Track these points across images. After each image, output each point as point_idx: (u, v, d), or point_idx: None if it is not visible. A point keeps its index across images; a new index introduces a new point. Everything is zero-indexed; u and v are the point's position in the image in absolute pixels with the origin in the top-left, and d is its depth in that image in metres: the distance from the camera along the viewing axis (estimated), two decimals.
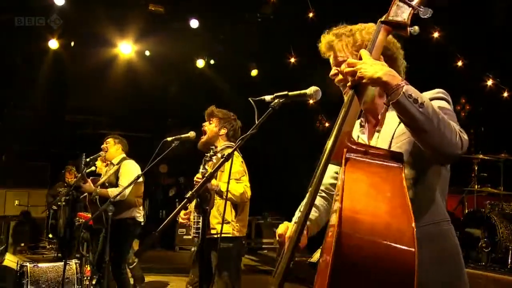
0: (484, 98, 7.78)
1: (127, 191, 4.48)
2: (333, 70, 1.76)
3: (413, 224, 1.22)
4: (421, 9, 1.53)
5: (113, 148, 5.06)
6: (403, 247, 1.20)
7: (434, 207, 1.60)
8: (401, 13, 1.56)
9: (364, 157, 1.44)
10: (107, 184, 4.87)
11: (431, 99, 1.55)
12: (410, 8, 1.54)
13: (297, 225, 1.49)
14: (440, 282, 1.54)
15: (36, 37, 8.31)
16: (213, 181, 3.28)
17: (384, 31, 1.60)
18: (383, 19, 1.60)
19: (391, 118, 1.65)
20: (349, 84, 1.55)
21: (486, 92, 7.88)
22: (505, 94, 7.95)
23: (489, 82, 7.91)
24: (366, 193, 1.33)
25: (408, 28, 1.56)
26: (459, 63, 7.74)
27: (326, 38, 1.78)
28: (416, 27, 1.57)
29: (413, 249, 1.19)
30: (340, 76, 1.72)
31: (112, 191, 4.68)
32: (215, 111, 3.77)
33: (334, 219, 1.42)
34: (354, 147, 1.45)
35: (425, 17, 1.54)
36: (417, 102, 1.39)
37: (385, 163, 1.42)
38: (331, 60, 1.78)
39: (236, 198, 3.43)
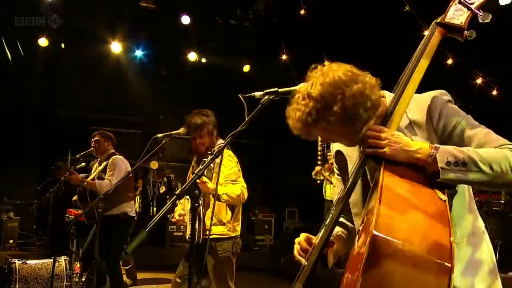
0: (474, 96, 7.84)
1: (114, 182, 4.49)
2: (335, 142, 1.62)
3: (452, 239, 1.14)
4: (480, 13, 1.43)
5: (104, 144, 5.04)
6: (439, 261, 1.12)
7: (473, 216, 1.51)
8: (458, 16, 1.46)
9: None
10: (96, 180, 4.84)
11: (442, 108, 1.46)
12: (469, 12, 1.45)
13: (324, 232, 1.46)
14: None
15: (28, 34, 8.22)
16: (210, 184, 3.26)
17: (438, 33, 1.49)
18: (438, 20, 1.50)
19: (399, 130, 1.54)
20: (365, 150, 1.42)
21: (476, 90, 7.94)
22: (494, 92, 8.02)
23: (479, 80, 7.97)
24: (404, 200, 1.26)
25: (464, 32, 1.46)
26: (449, 61, 7.79)
27: (297, 127, 1.47)
28: (472, 31, 1.46)
29: (449, 264, 1.11)
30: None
31: (99, 183, 4.66)
32: (199, 126, 3.55)
33: (361, 242, 1.37)
34: None
35: (484, 22, 1.43)
36: (458, 164, 1.28)
37: (422, 172, 1.34)
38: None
39: (233, 200, 3.41)
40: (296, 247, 1.67)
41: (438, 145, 1.34)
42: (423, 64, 1.48)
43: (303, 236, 1.68)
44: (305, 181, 8.91)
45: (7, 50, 8.48)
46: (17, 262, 4.59)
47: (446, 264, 1.12)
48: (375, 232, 1.14)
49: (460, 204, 1.45)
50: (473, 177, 1.29)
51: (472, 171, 1.28)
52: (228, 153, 3.56)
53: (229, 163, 3.53)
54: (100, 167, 4.94)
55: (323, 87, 1.40)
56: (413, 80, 1.47)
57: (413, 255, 1.13)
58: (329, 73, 1.43)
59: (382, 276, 1.13)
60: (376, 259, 1.13)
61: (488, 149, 1.35)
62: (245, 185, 3.52)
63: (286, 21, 8.13)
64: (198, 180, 3.09)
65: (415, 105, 1.50)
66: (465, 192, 1.49)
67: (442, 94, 1.52)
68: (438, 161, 1.29)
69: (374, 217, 1.17)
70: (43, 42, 8.22)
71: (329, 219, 1.47)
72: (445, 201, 1.24)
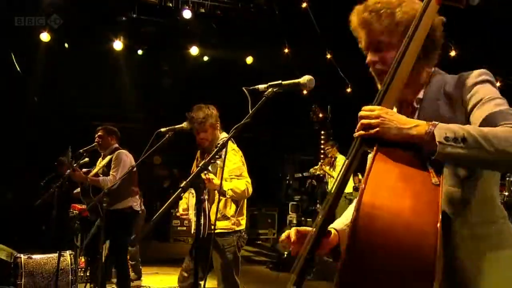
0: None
1: (118, 177, 4.50)
2: (372, 56, 1.49)
3: (439, 225, 1.08)
4: None
5: (107, 139, 5.03)
6: (422, 249, 1.08)
7: (490, 203, 1.40)
8: None
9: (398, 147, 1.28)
10: (100, 175, 4.85)
11: (475, 84, 1.38)
12: None
13: (318, 224, 1.37)
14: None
15: (28, 34, 8.21)
16: (216, 181, 3.25)
17: (434, 1, 1.36)
18: None
19: (428, 101, 1.46)
20: (359, 133, 1.32)
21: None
22: (498, 84, 7.99)
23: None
24: (392, 186, 1.19)
25: None
26: (452, 53, 7.75)
27: (360, 16, 1.48)
28: None
29: (432, 255, 1.07)
30: (380, 66, 1.48)
31: (103, 180, 4.67)
32: (201, 120, 3.54)
33: None
34: None
35: None
36: (457, 140, 1.18)
37: (418, 155, 1.25)
38: (364, 42, 1.52)
39: (238, 195, 3.41)
40: (284, 235, 1.58)
41: (436, 122, 1.25)
42: (420, 35, 1.37)
43: (293, 229, 1.59)
44: (308, 175, 8.94)
45: (15, 62, 8.51)
46: (23, 257, 4.63)
47: (430, 252, 1.07)
48: (355, 223, 1.11)
49: (482, 187, 1.38)
50: (473, 154, 1.19)
51: (472, 147, 1.18)
52: (232, 147, 3.55)
53: (234, 158, 3.52)
54: (104, 162, 4.94)
55: None
56: (409, 52, 1.37)
57: (395, 245, 1.10)
58: None
59: (361, 265, 1.11)
60: (357, 249, 1.11)
61: (496, 128, 1.24)
62: (249, 180, 3.51)
63: (287, 14, 8.10)
64: (204, 177, 3.12)
65: (455, 81, 1.44)
66: (489, 176, 1.40)
67: (482, 74, 1.43)
68: (436, 136, 1.20)
69: (355, 207, 1.13)
70: (45, 37, 8.18)
71: (321, 210, 1.42)
72: (438, 185, 1.17)
